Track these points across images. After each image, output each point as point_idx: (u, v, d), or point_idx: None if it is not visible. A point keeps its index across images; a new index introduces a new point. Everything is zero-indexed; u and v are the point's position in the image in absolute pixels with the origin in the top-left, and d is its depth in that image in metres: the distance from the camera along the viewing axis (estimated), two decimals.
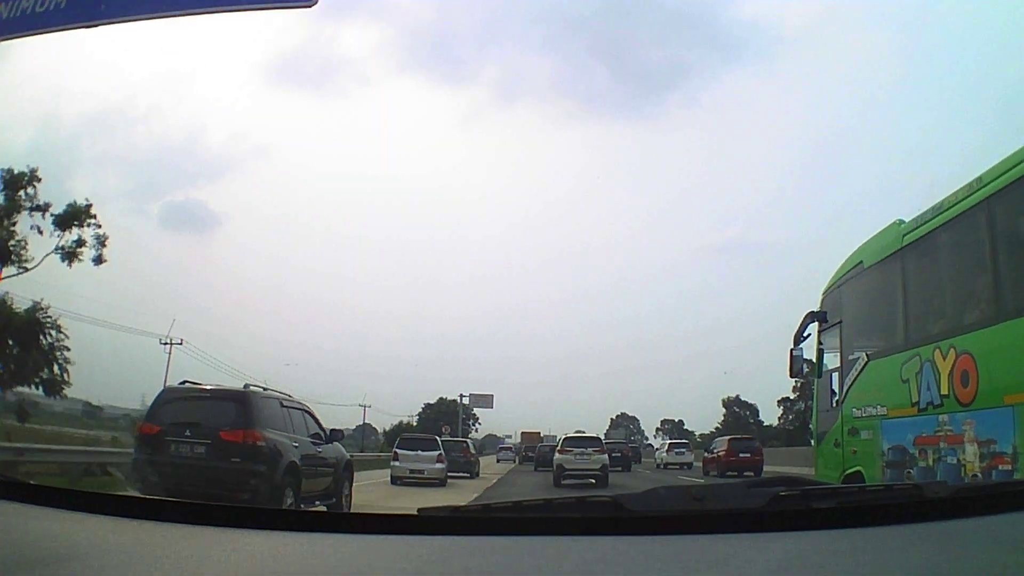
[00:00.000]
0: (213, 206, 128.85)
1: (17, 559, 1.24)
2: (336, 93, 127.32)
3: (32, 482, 1.77)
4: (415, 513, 1.54)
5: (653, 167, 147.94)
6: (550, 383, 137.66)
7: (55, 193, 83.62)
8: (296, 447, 10.07)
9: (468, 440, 34.19)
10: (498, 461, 56.80)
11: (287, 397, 11.22)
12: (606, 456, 22.20)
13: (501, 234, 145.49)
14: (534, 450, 59.54)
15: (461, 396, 68.92)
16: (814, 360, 10.33)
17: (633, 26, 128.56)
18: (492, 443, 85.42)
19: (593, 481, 21.16)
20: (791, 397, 78.97)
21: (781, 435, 78.55)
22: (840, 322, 9.29)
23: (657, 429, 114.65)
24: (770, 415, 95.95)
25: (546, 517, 1.60)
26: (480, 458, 39.49)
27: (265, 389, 10.76)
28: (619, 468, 32.58)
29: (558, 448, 22.66)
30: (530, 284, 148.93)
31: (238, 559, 1.31)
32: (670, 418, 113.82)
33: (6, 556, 1.24)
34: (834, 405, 9.36)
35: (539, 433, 78.12)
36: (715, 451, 31.10)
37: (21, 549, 1.32)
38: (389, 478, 21.94)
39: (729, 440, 31.28)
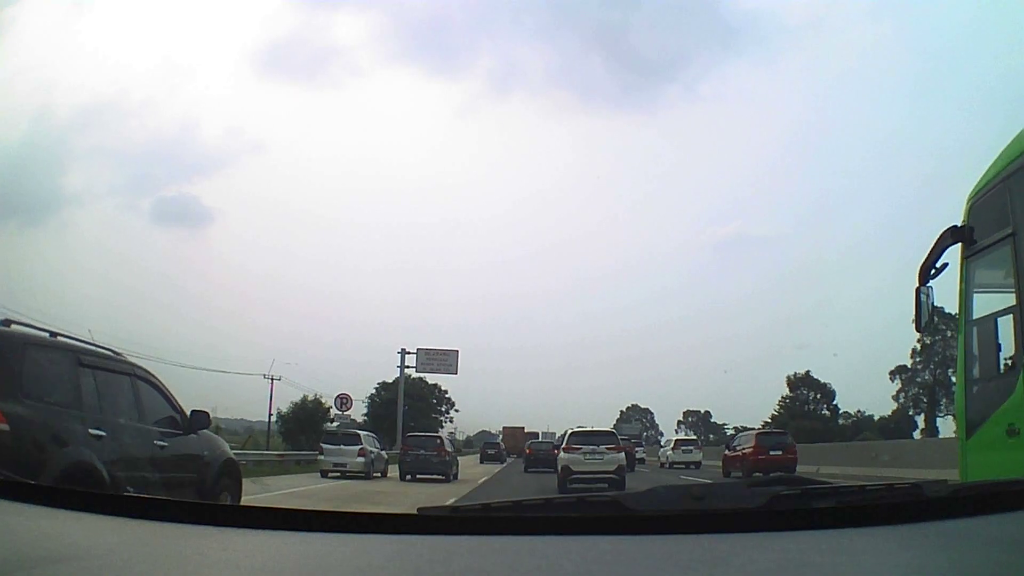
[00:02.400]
0: (206, 201, 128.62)
1: (17, 558, 1.24)
2: (329, 84, 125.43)
3: (32, 482, 1.77)
4: (415, 513, 1.55)
5: (651, 158, 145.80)
6: (550, 376, 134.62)
7: (48, 188, 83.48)
8: (99, 437, 6.00)
9: (441, 435, 27.67)
10: (481, 461, 46.41)
11: (106, 354, 6.82)
12: (623, 455, 18.58)
13: (498, 225, 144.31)
14: (495, 447, 50.47)
15: (403, 353, 46.12)
16: (957, 306, 6.20)
17: (628, 13, 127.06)
18: (487, 441, 69.13)
19: (606, 486, 17.42)
20: (907, 365, 62.72)
21: (871, 425, 62.73)
22: (1012, 235, 5.56)
23: (679, 422, 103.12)
24: (852, 399, 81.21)
25: (546, 517, 1.60)
26: (464, 457, 35.60)
27: (54, 335, 6.46)
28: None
29: (563, 445, 18.91)
30: (527, 274, 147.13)
31: (238, 558, 1.31)
32: (695, 409, 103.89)
33: (5, 556, 1.24)
34: (1002, 370, 5.74)
35: (523, 428, 70.00)
36: (739, 448, 26.88)
37: (21, 548, 1.32)
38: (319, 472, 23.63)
39: (757, 435, 27.06)
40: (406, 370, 50.21)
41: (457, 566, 1.27)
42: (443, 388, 74.98)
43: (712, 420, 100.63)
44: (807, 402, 70.97)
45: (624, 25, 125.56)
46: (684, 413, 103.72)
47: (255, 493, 15.71)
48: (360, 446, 23.67)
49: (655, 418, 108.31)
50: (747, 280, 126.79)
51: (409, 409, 64.11)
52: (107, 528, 1.47)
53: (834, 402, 70.82)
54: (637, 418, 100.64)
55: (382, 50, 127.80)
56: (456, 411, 78.04)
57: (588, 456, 17.92)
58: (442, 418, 75.85)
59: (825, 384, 70.12)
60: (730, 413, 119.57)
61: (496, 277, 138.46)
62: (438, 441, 24.38)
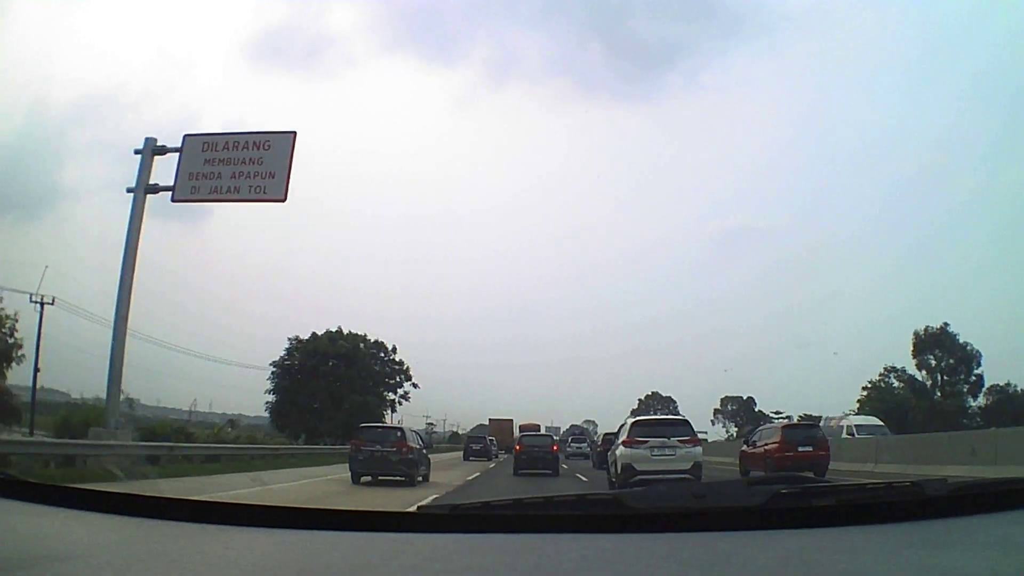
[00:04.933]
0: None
1: (17, 556, 1.24)
2: (324, 75, 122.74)
3: (33, 480, 1.77)
4: (414, 511, 1.55)
5: (654, 149, 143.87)
6: (556, 369, 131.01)
7: (45, 183, 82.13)
8: None
9: (403, 427, 21.69)
10: (466, 458, 38.89)
11: None
12: (699, 449, 15.23)
13: (499, 217, 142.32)
14: (480, 442, 41.58)
15: (148, 151, 18.65)
16: None
17: None
18: (471, 436, 53.72)
19: None
20: None
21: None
22: None
23: (716, 411, 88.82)
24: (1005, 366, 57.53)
25: (546, 515, 1.60)
26: (448, 454, 30.41)
27: None
28: None
29: (624, 439, 15.33)
30: (532, 267, 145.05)
31: (238, 556, 1.31)
32: (734, 395, 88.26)
33: (6, 554, 1.25)
34: None
35: (511, 421, 59.88)
36: (760, 443, 22.46)
37: (22, 546, 1.32)
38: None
39: (783, 428, 22.59)
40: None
41: (456, 564, 1.27)
42: (388, 346, 51.42)
43: (756, 408, 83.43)
44: (940, 369, 50.21)
45: (622, 11, 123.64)
46: (722, 400, 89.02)
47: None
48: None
49: (679, 407, 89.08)
50: (758, 266, 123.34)
51: (339, 381, 45.87)
52: (108, 526, 1.47)
53: (977, 370, 50.01)
54: (657, 407, 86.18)
55: (376, 39, 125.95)
56: (415, 386, 52.93)
57: (657, 451, 14.44)
58: (392, 395, 52.17)
59: (966, 345, 49.90)
60: (785, 399, 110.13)
61: (499, 270, 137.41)
62: (398, 434, 19.19)
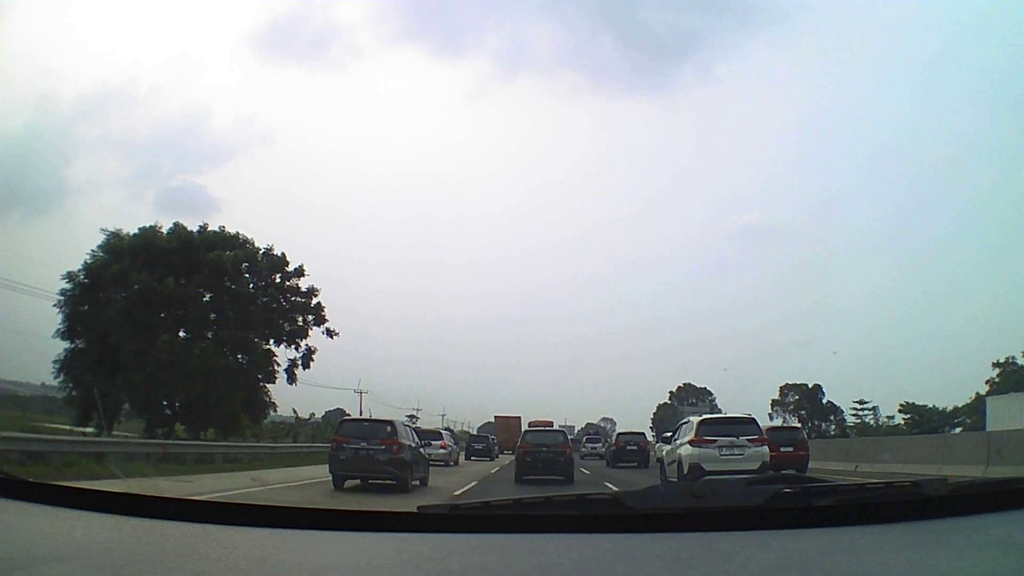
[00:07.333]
0: (212, 191, 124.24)
1: (17, 556, 1.24)
2: (333, 67, 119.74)
3: (31, 479, 1.77)
4: (415, 511, 1.55)
5: (665, 143, 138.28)
6: (571, 366, 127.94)
7: (52, 179, 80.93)
8: None
9: (394, 421, 17.21)
10: (468, 457, 35.80)
11: None
12: (766, 449, 14.77)
13: (510, 213, 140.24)
14: (483, 441, 39.55)
15: None
16: None
17: None
18: (473, 435, 50.17)
19: None
20: None
21: None
22: None
23: (773, 401, 73.63)
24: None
25: (546, 515, 1.60)
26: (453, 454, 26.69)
27: None
28: (634, 464, 26.50)
29: (691, 438, 14.75)
30: (544, 263, 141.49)
31: (238, 556, 1.31)
32: (798, 382, 73.34)
33: (6, 553, 1.25)
34: None
35: (519, 418, 51.83)
36: None
37: (21, 546, 1.32)
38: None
39: (767, 431, 21.89)
40: None
41: (457, 564, 1.27)
42: (286, 261, 30.12)
43: (825, 399, 71.89)
44: None
45: (633, 1, 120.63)
46: (782, 388, 74.42)
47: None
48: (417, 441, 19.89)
49: (716, 400, 76.99)
50: (793, 254, 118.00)
51: (153, 305, 25.31)
52: (108, 526, 1.47)
53: None
54: (691, 400, 77.60)
55: (385, 30, 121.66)
56: (330, 335, 31.29)
57: (725, 451, 14.14)
58: (289, 348, 30.56)
59: None
60: (864, 385, 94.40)
61: (510, 266, 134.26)
62: (388, 429, 16.19)
